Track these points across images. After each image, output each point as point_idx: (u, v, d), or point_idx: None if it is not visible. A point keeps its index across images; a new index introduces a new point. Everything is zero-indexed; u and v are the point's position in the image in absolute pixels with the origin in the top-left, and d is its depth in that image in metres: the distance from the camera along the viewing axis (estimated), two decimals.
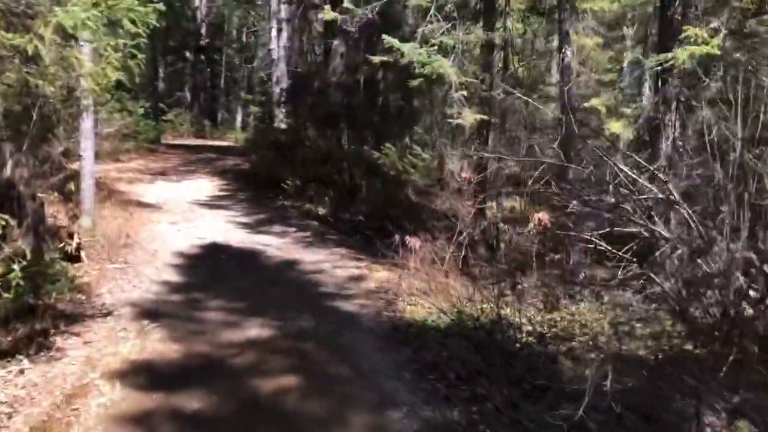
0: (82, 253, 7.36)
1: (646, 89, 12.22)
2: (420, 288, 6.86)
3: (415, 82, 7.22)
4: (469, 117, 6.65)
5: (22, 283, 5.26)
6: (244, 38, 34.49)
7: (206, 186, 14.51)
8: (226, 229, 10.15)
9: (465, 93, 6.72)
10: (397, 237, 8.03)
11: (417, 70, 6.79)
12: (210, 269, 7.80)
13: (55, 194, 9.16)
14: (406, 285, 7.06)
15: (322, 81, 16.21)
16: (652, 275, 4.97)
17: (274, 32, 26.47)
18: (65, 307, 6.02)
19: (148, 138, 20.35)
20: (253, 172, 15.34)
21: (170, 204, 12.05)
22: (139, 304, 6.33)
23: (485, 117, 6.69)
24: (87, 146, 8.53)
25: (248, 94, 32.83)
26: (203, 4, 33.12)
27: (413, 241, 7.49)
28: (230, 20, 36.31)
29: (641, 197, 4.68)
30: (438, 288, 6.81)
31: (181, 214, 11.15)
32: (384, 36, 6.74)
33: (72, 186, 8.59)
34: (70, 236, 7.18)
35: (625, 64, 17.09)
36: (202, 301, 6.55)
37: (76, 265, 7.21)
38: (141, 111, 19.88)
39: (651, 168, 4.64)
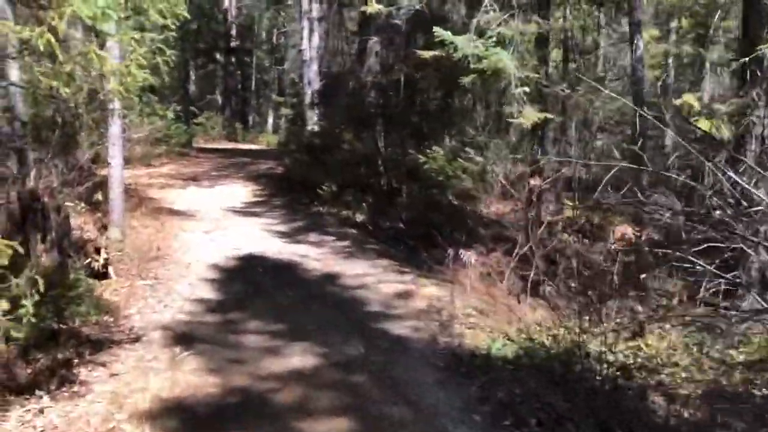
0: (110, 269, 6.82)
1: (707, 85, 11.33)
2: (477, 308, 6.18)
3: (467, 79, 6.52)
4: (531, 115, 5.94)
5: (37, 311, 4.70)
6: (274, 39, 34.06)
7: (240, 192, 13.97)
8: (262, 238, 9.56)
9: (526, 89, 6.00)
10: (450, 251, 7.35)
11: (472, 65, 6.10)
12: (246, 284, 7.20)
13: (82, 204, 8.67)
14: (461, 304, 6.37)
15: (357, 81, 15.63)
16: (756, 297, 4.22)
17: (305, 32, 25.94)
18: (91, 331, 5.46)
19: (179, 142, 19.96)
20: (287, 177, 14.76)
21: (203, 211, 11.52)
22: (171, 326, 5.74)
23: (549, 115, 5.97)
24: (115, 153, 8.00)
25: (279, 96, 32.40)
26: (233, 6, 32.78)
27: (469, 255, 6.79)
28: (260, 22, 35.94)
29: (753, 209, 3.92)
30: (498, 309, 6.11)
31: (215, 222, 10.60)
32: (436, 29, 6.06)
33: (100, 195, 8.07)
34: (97, 251, 6.64)
35: (671, 60, 16.16)
36: (239, 322, 5.94)
37: (103, 282, 6.67)
38: (171, 115, 19.50)
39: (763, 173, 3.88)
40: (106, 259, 6.65)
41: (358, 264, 8.28)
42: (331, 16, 19.77)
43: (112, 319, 5.83)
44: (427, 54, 6.32)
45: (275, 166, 17.69)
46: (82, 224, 7.99)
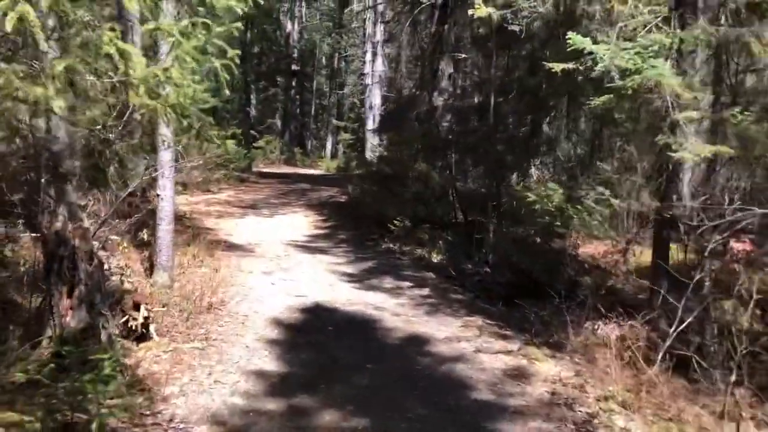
0: (152, 328, 5.43)
1: None
2: (623, 402, 4.51)
3: (598, 101, 4.94)
4: (699, 148, 4.31)
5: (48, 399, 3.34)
6: (335, 64, 33.09)
7: (301, 222, 12.63)
8: (329, 281, 8.11)
9: (694, 114, 4.39)
10: (567, 314, 5.72)
11: (616, 81, 4.53)
12: (315, 350, 5.70)
13: (124, 243, 7.40)
14: (597, 393, 4.73)
15: (428, 104, 14.20)
16: None
17: (368, 56, 24.78)
18: (117, 425, 4.04)
19: (239, 166, 18.86)
20: (351, 207, 13.37)
21: (263, 245, 10.17)
22: (221, 417, 4.28)
23: (725, 149, 4.33)
24: (165, 184, 6.70)
25: (339, 121, 31.35)
26: (295, 30, 32.00)
27: (610, 329, 5.14)
28: (321, 46, 35.13)
29: None
30: (651, 400, 4.44)
31: (276, 259, 9.22)
32: (570, 35, 4.53)
33: (145, 234, 6.76)
34: (137, 307, 5.27)
35: None
36: (308, 412, 4.43)
37: (142, 345, 5.29)
38: (232, 145, 18.47)
39: None
40: (146, 318, 5.27)
41: (446, 322, 6.71)
42: (401, 35, 18.42)
43: (146, 403, 4.40)
44: (558, 66, 4.78)
45: (337, 193, 16.35)
46: (125, 266, 6.68)
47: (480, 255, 9.30)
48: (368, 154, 23.52)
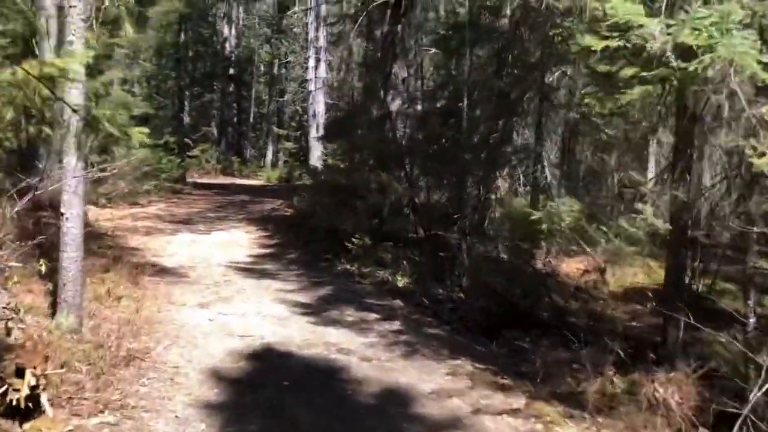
0: (44, 398, 3.90)
1: None
2: None
3: (634, 93, 3.79)
4: None
5: None
6: (275, 70, 31.48)
7: (242, 239, 11.11)
8: (280, 314, 6.69)
9: None
10: (585, 360, 4.55)
11: (672, 63, 3.38)
12: (269, 415, 4.31)
13: (24, 271, 5.82)
14: None
15: (382, 110, 12.96)
16: None
17: (311, 62, 23.33)
18: None
19: (171, 177, 17.10)
20: (298, 221, 11.94)
21: (198, 269, 8.65)
22: None
23: None
24: (71, 200, 5.14)
25: (279, 129, 29.72)
26: (232, 35, 30.26)
27: (670, 392, 3.95)
28: (259, 52, 33.45)
29: None
30: None
31: (214, 287, 7.73)
32: (613, 3, 3.36)
33: (43, 265, 5.18)
34: (20, 374, 3.74)
35: None
36: None
37: (27, 426, 3.76)
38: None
39: None
40: (35, 387, 3.75)
41: (428, 368, 5.42)
42: (348, 38, 17.13)
43: None
44: (599, 44, 3.58)
45: (281, 206, 14.88)
46: (17, 306, 5.08)
47: (451, 278, 8.09)
48: (313, 164, 22.10)
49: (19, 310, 4.82)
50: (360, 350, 5.73)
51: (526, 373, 5.35)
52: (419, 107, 11.71)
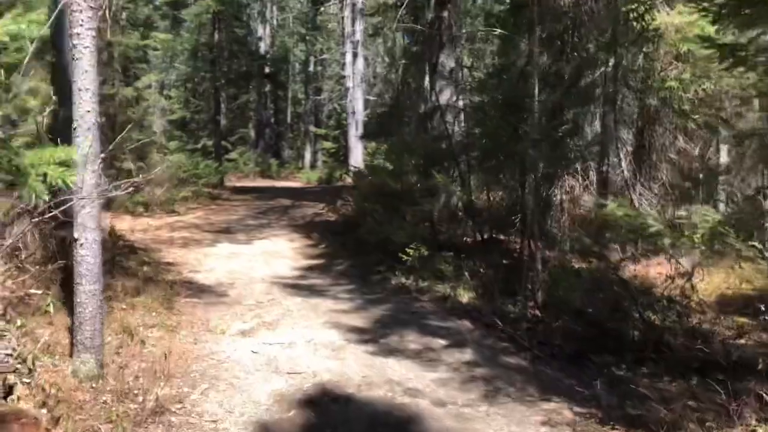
0: None
1: None
2: None
3: None
4: None
5: None
6: (311, 68, 30.73)
7: (285, 249, 10.27)
8: (332, 342, 5.77)
9: None
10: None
11: None
12: None
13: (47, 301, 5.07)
14: None
15: (429, 105, 11.99)
16: None
17: (348, 57, 22.48)
18: None
19: (209, 182, 16.42)
20: (344, 227, 11.03)
21: (238, 286, 7.81)
22: None
23: None
24: (86, 222, 4.30)
25: (317, 128, 28.98)
26: (267, 35, 29.61)
27: None
28: (294, 51, 32.77)
29: None
30: None
31: (257, 308, 6.86)
32: None
33: (50, 303, 4.35)
34: None
35: None
36: None
37: None
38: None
39: None
40: None
41: (518, 415, 4.42)
42: (385, 32, 16.18)
43: None
44: None
45: (324, 210, 13.97)
46: (21, 355, 4.27)
47: (523, 291, 7.06)
48: (354, 164, 21.23)
49: (25, 358, 4.00)
50: (430, 390, 4.77)
51: (639, 419, 4.31)
52: (471, 99, 10.68)
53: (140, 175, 13.54)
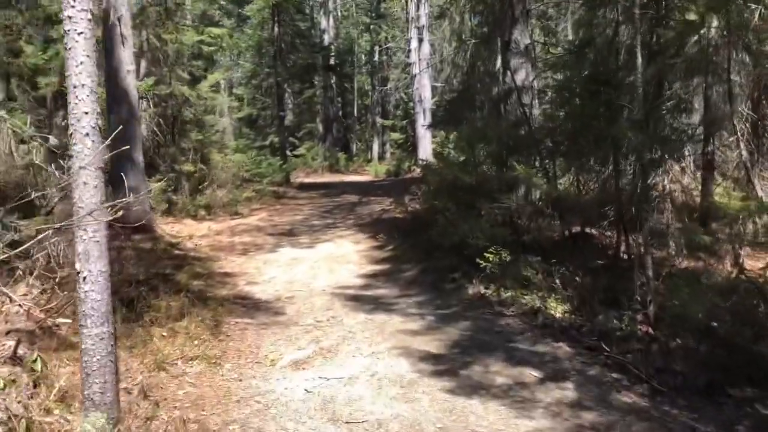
0: None
1: None
2: None
3: None
4: None
5: None
6: (376, 57, 29.75)
7: (350, 252, 9.32)
8: (401, 377, 4.73)
9: None
10: None
11: None
12: None
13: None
14: None
15: (503, 87, 10.73)
16: None
17: (413, 43, 21.35)
18: None
19: (274, 180, 15.72)
20: (412, 225, 9.98)
21: (297, 300, 6.91)
22: None
23: None
24: (90, 251, 3.42)
25: (384, 119, 28.00)
26: (330, 26, 28.81)
27: None
28: (359, 42, 31.87)
29: None
30: None
31: (315, 329, 5.92)
32: None
33: (36, 363, 3.51)
34: None
35: None
36: None
37: None
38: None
39: None
40: None
41: None
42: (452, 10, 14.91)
43: None
44: None
45: (391, 206, 12.98)
46: (15, 416, 3.46)
47: (631, 302, 5.79)
48: (423, 156, 20.13)
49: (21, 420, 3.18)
50: None
51: None
52: (551, 78, 9.37)
53: (204, 179, 12.96)
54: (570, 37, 18.42)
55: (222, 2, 22.10)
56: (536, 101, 10.96)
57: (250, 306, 6.69)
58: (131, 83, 9.86)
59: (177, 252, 8.98)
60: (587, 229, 7.91)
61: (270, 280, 7.85)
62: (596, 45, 8.32)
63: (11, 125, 10.52)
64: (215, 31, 13.28)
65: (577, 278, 6.37)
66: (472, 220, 7.07)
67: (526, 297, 6.39)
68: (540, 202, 7.13)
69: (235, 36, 27.73)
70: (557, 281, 6.48)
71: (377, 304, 6.65)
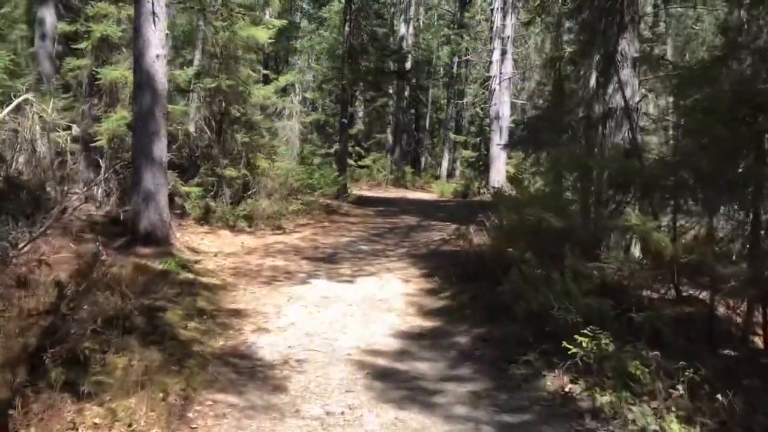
0: None
1: None
2: None
3: None
4: None
5: None
6: (454, 69, 27.80)
7: (395, 296, 7.36)
8: None
9: None
10: None
11: None
12: None
13: None
14: None
15: (604, 107, 8.59)
16: None
17: (495, 55, 19.20)
18: None
19: (326, 192, 13.99)
20: (476, 269, 7.89)
21: (310, 368, 5.01)
22: None
23: None
24: None
25: (457, 135, 25.95)
26: (409, 34, 27.07)
27: None
28: (438, 53, 29.99)
29: None
30: None
31: (321, 429, 3.99)
32: None
33: None
34: None
35: None
36: None
37: None
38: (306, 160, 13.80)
39: None
40: None
41: None
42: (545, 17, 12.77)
43: None
44: None
45: (453, 234, 10.94)
46: None
47: None
48: (495, 176, 17.97)
49: None
50: None
51: None
52: (674, 96, 7.15)
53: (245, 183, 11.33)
54: (668, 51, 15.83)
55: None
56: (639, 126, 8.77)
57: (245, 371, 4.85)
58: (159, 69, 8.31)
59: (187, 275, 7.29)
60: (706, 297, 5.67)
61: (286, 328, 6.00)
62: (745, 53, 6.10)
63: (36, 110, 9.20)
64: (274, 22, 11.69)
65: (707, 387, 4.18)
66: (558, 282, 4.97)
67: (633, 408, 4.24)
68: (661, 266, 4.96)
69: (310, 38, 26.44)
70: (680, 388, 4.30)
71: (414, 390, 4.66)
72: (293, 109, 21.22)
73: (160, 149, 8.51)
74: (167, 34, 8.67)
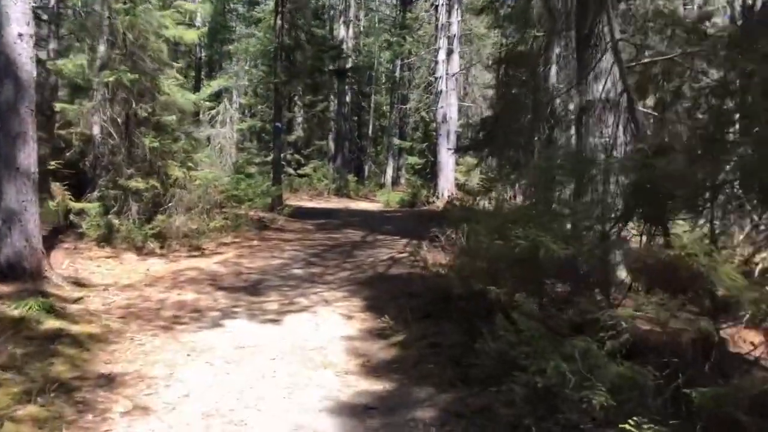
0: None
1: None
2: None
3: None
4: None
5: None
6: (396, 73, 26.24)
7: (333, 342, 5.52)
8: None
9: None
10: None
11: None
12: None
13: None
14: None
15: (581, 101, 7.11)
16: None
17: (441, 55, 17.67)
18: None
19: (257, 205, 12.03)
20: (434, 301, 6.15)
21: None
22: None
23: None
24: None
25: (401, 140, 24.34)
26: (349, 37, 25.33)
27: None
28: (379, 57, 28.40)
29: None
30: None
31: None
32: None
33: None
34: None
35: None
36: None
37: None
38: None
39: None
40: None
41: None
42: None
43: None
44: None
45: (405, 251, 9.24)
46: None
47: None
48: (443, 184, 16.39)
49: None
50: None
51: None
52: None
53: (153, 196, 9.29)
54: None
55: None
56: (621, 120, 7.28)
57: None
58: (24, 53, 6.25)
59: (53, 323, 5.27)
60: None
61: (176, 405, 4.09)
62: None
63: None
64: (186, 6, 9.72)
65: None
66: (567, 343, 3.27)
67: None
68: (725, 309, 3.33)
69: (247, 41, 24.35)
70: None
71: None
72: (227, 116, 19.15)
73: (28, 156, 6.45)
74: (33, 7, 6.61)
